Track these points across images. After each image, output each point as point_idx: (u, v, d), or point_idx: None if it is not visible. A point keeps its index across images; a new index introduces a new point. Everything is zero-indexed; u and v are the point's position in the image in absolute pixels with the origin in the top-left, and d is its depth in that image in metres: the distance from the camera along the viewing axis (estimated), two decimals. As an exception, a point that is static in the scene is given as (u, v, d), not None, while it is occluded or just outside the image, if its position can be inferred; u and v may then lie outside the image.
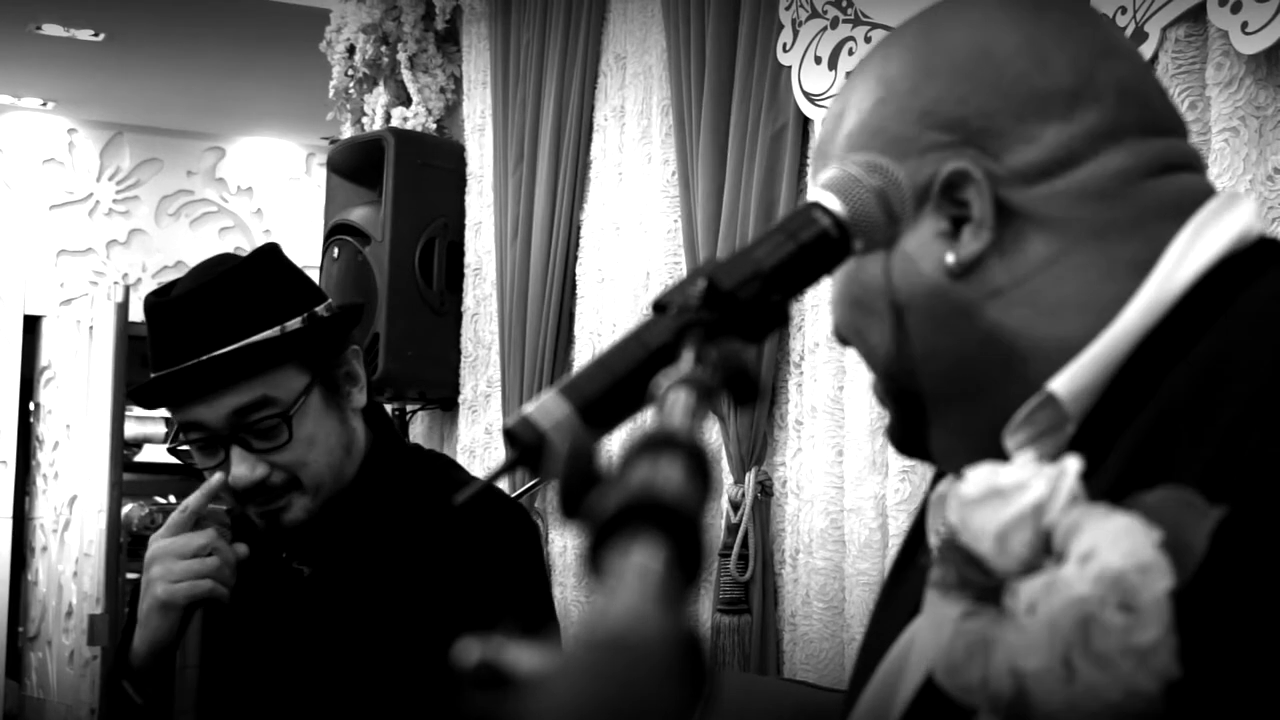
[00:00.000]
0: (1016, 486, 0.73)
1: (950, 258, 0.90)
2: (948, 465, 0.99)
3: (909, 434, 0.98)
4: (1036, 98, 0.91)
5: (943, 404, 0.94)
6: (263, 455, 1.67)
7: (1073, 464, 0.73)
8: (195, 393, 1.66)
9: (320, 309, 1.73)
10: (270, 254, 1.75)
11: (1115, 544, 0.69)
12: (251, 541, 1.74)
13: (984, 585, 0.72)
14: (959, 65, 0.93)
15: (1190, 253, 0.87)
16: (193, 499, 1.68)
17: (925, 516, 1.03)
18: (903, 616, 0.99)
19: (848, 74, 2.82)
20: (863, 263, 0.94)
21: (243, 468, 1.66)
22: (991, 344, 0.90)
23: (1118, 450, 0.81)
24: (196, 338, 1.66)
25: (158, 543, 1.67)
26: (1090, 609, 0.68)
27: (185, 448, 1.72)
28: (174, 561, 1.65)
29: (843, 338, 1.00)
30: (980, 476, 0.74)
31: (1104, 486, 0.74)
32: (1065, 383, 0.86)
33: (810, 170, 1.02)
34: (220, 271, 1.69)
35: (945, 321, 0.91)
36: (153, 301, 1.70)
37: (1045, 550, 0.71)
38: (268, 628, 1.75)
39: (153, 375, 1.69)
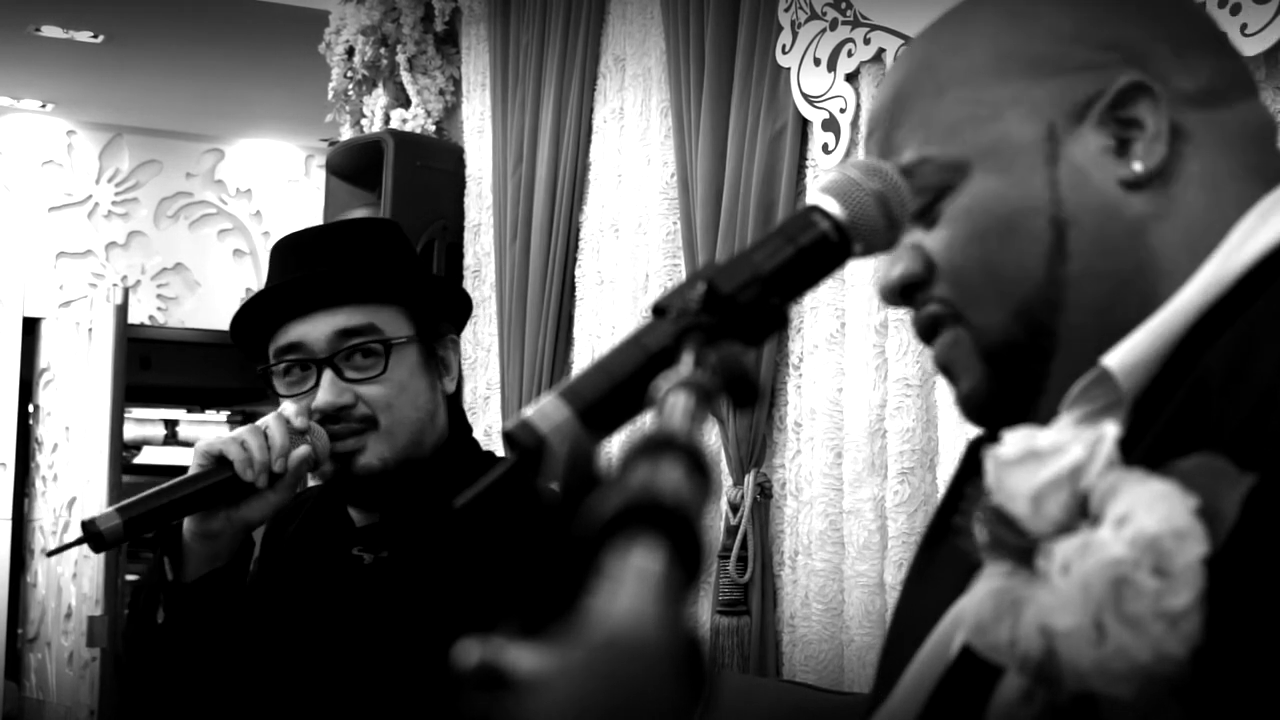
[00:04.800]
0: (1054, 449, 0.73)
1: (1138, 165, 0.89)
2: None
3: (1014, 392, 0.92)
4: (1197, 32, 0.94)
5: (1078, 347, 0.90)
6: (352, 384, 1.67)
7: (1111, 429, 0.73)
8: (304, 305, 1.67)
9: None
10: (398, 228, 1.86)
11: (1152, 508, 0.69)
12: (318, 532, 1.75)
13: (1016, 546, 0.73)
14: None
15: (1254, 235, 0.87)
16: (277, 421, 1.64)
17: (960, 482, 1.02)
18: (940, 587, 0.98)
19: (847, 75, 2.82)
20: (1010, 182, 0.92)
21: (329, 393, 1.66)
22: (1145, 272, 0.89)
23: (1158, 421, 0.81)
24: (315, 257, 1.71)
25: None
26: (1124, 571, 0.68)
27: (275, 369, 1.70)
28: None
29: (957, 283, 0.93)
30: (1018, 438, 0.74)
31: (1140, 454, 0.74)
32: (1119, 357, 0.86)
33: (887, 119, 0.99)
34: (348, 221, 1.76)
35: (1112, 239, 0.90)
36: (281, 238, 1.79)
37: (1080, 513, 0.72)
38: (323, 613, 1.73)
39: (265, 287, 1.71)
